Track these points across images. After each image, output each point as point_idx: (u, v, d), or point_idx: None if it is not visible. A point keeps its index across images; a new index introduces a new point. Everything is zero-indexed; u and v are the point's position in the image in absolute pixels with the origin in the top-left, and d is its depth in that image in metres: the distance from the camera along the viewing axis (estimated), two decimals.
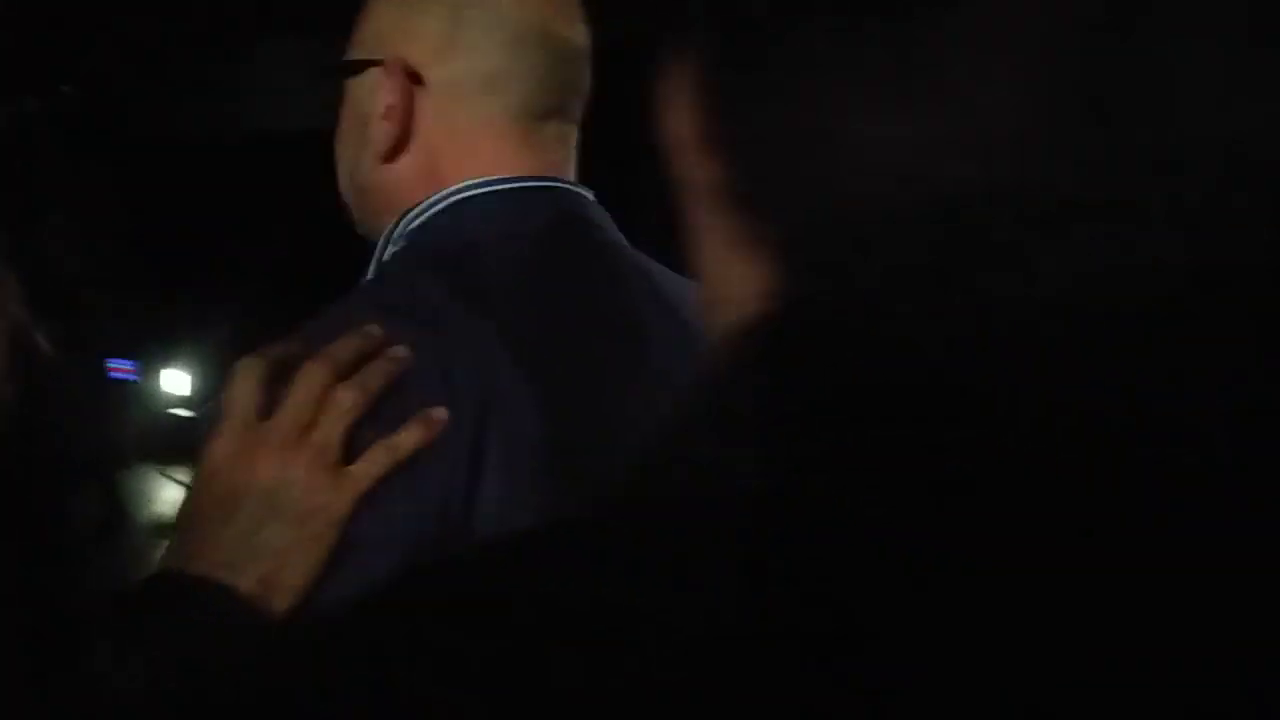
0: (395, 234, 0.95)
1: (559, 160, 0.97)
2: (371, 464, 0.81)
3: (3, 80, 1.97)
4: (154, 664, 0.76)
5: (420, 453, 0.82)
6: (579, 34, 0.97)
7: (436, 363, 0.84)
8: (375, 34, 0.96)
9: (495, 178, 0.93)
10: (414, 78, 0.93)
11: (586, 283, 0.93)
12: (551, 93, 0.95)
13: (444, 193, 0.93)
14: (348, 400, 0.81)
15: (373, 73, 0.95)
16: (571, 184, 0.98)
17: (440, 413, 0.83)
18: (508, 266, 0.91)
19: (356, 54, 0.97)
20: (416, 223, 0.94)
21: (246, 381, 0.82)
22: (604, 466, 0.87)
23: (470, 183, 0.93)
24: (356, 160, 0.97)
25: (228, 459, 0.81)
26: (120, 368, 4.03)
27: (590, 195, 0.99)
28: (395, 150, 0.95)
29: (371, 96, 0.95)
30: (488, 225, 0.92)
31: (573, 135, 0.99)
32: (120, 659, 0.77)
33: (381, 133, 0.94)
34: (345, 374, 0.82)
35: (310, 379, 0.81)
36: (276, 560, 0.79)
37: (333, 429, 0.81)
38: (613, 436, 0.87)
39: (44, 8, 1.86)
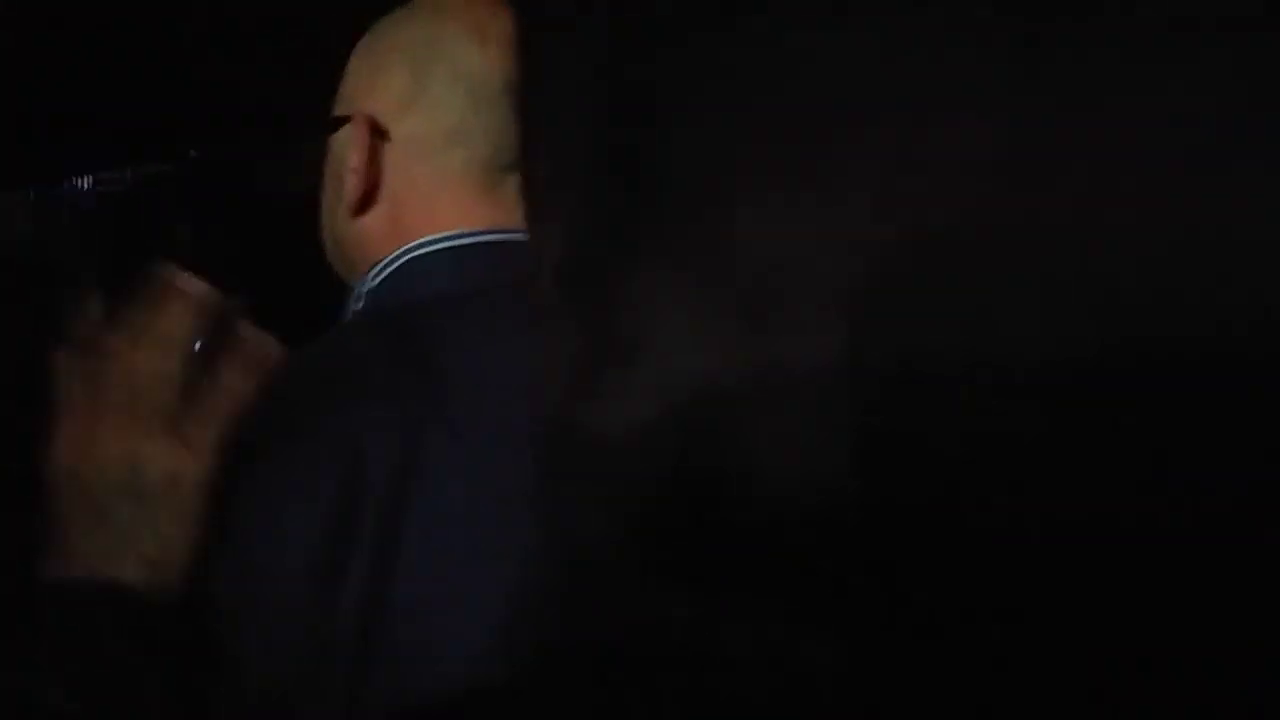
0: (361, 290, 0.96)
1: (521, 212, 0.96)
2: (211, 419, 0.76)
3: (131, 146, 2.07)
4: (60, 676, 0.76)
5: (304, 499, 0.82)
6: None
7: (347, 428, 0.84)
8: (349, 90, 0.98)
9: (450, 233, 0.93)
10: (380, 133, 0.95)
11: (524, 339, 0.92)
12: (515, 147, 0.95)
13: (400, 250, 0.94)
14: (168, 365, 0.76)
15: (346, 128, 0.96)
16: None
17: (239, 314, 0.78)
18: (453, 326, 0.90)
19: (335, 110, 0.99)
20: (377, 281, 0.95)
21: (70, 372, 0.78)
22: (539, 539, 0.86)
23: (425, 240, 0.93)
24: (333, 214, 0.99)
25: (70, 450, 0.77)
26: None
27: None
28: (364, 204, 0.96)
29: (344, 151, 0.96)
30: (438, 283, 0.92)
31: None
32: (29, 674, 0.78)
33: (350, 186, 0.95)
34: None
35: (127, 353, 0.76)
36: (153, 540, 0.76)
37: (161, 394, 0.76)
38: (538, 513, 0.86)
39: (171, 75, 1.95)
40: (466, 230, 0.93)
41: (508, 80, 0.94)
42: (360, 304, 0.96)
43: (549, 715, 0.35)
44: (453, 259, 0.93)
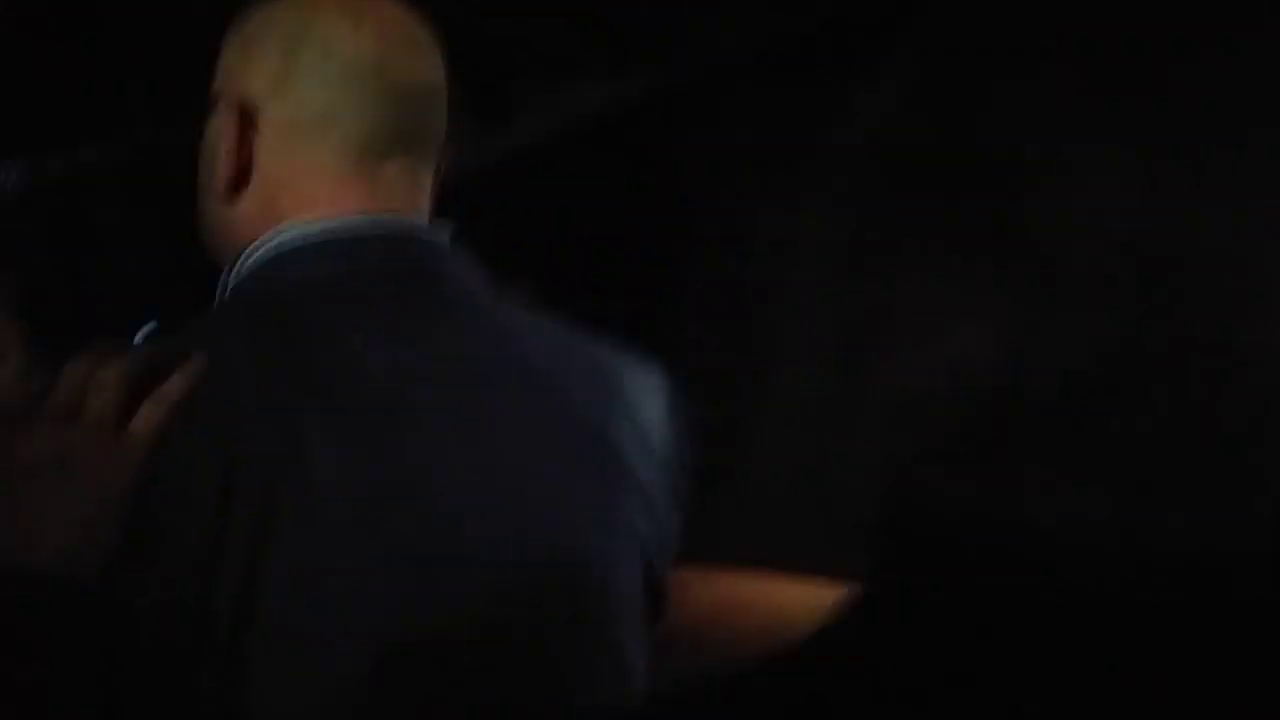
0: (229, 277, 0.94)
1: (402, 200, 0.94)
2: (146, 419, 0.81)
3: (60, 130, 2.05)
4: None
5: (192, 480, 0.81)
6: (426, 70, 0.95)
7: (220, 424, 0.82)
8: (223, 71, 0.96)
9: (320, 221, 0.91)
10: (251, 115, 0.93)
11: (407, 333, 0.89)
12: (391, 130, 0.93)
13: (267, 238, 0.91)
14: (113, 375, 0.82)
15: (219, 110, 0.94)
16: (415, 226, 0.94)
17: (202, 360, 0.82)
18: (326, 314, 0.88)
19: (210, 93, 0.97)
20: (246, 267, 0.92)
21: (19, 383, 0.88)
22: (418, 528, 0.85)
23: (292, 225, 0.91)
24: (206, 198, 0.97)
25: (7, 442, 0.82)
26: None
27: (442, 238, 0.95)
28: (236, 188, 0.93)
29: (218, 134, 0.94)
30: (309, 269, 0.90)
31: (423, 174, 0.96)
32: None
33: (221, 170, 0.93)
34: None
35: (76, 367, 0.83)
36: (76, 528, 0.80)
37: (105, 399, 0.81)
38: (424, 497, 0.85)
39: (104, 56, 1.93)
40: (339, 217, 0.91)
41: (381, 63, 0.93)
42: (228, 291, 0.94)
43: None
44: (324, 245, 0.90)
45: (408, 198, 0.94)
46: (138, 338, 1.08)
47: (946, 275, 0.46)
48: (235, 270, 0.93)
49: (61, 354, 1.74)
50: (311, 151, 0.92)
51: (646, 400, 1.00)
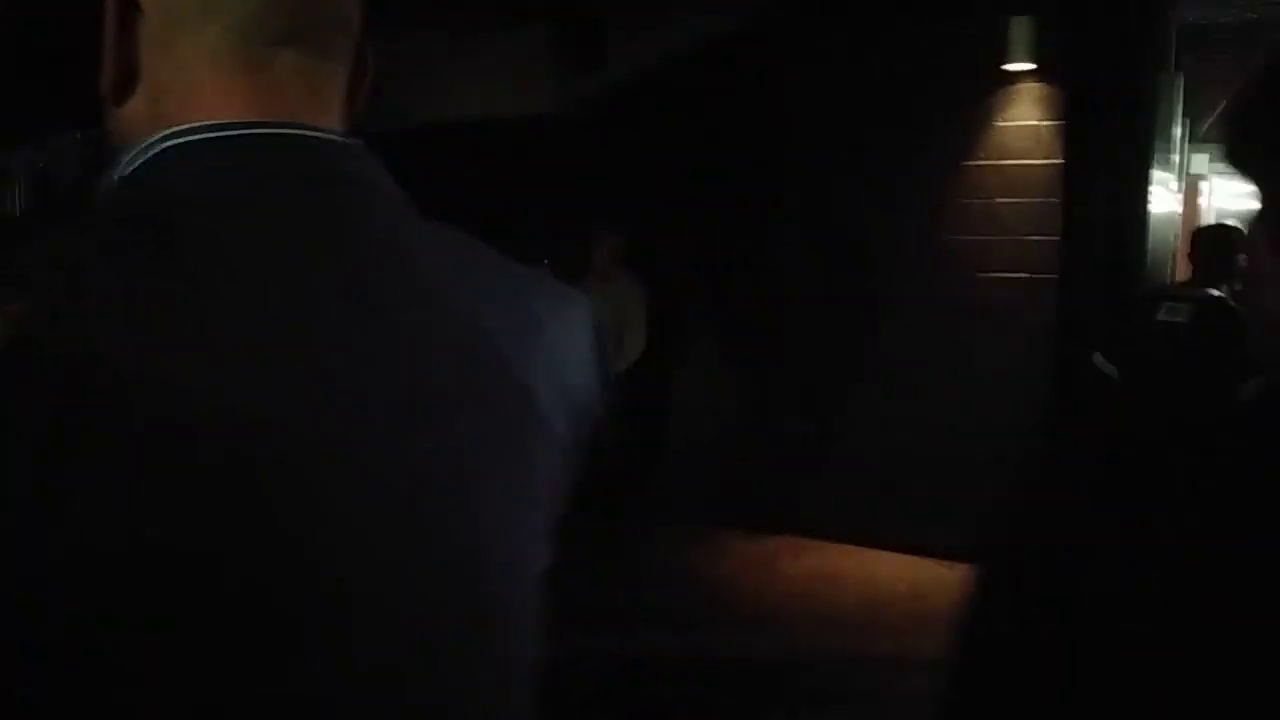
0: (110, 177, 0.83)
1: (296, 100, 0.83)
2: None
3: (89, 108, 1.90)
4: None
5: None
6: None
7: (72, 334, 0.69)
8: None
9: (205, 124, 0.80)
10: (134, 7, 0.83)
11: (297, 258, 0.78)
12: (282, 13, 0.82)
13: (149, 140, 0.81)
14: None
15: (105, 5, 0.84)
16: (316, 130, 0.83)
17: (14, 310, 0.69)
18: (195, 238, 0.76)
19: None
20: (122, 173, 0.82)
21: None
22: (306, 484, 0.73)
23: (175, 130, 0.80)
24: (103, 101, 0.86)
25: None
26: None
27: (351, 142, 0.85)
28: (123, 88, 0.84)
29: (105, 31, 0.84)
30: (189, 182, 0.79)
31: (322, 69, 0.85)
32: None
33: (106, 70, 0.84)
34: None
35: None
36: None
37: None
38: (313, 447, 0.73)
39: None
40: (230, 120, 0.81)
41: None
42: (109, 192, 0.83)
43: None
44: (207, 152, 0.80)
45: (303, 97, 0.83)
46: None
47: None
48: (117, 171, 0.83)
49: None
50: (192, 44, 0.82)
51: (567, 336, 0.88)
